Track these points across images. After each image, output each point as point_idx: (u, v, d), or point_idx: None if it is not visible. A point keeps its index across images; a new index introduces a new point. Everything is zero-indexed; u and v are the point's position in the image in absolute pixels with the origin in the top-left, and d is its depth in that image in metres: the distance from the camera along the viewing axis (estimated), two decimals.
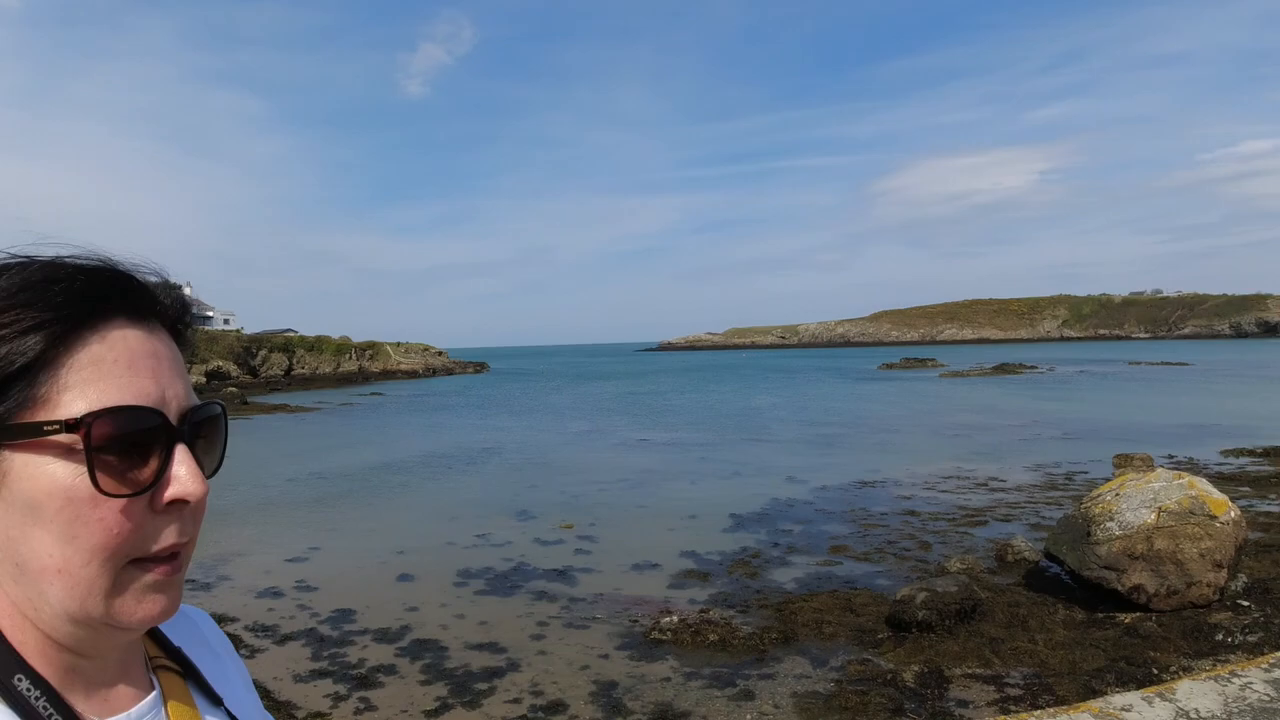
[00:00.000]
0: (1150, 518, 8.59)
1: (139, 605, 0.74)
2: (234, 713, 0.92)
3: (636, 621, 8.95)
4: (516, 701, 7.07)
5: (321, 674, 7.78)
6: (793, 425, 30.64)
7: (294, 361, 73.54)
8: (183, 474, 0.74)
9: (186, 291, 0.89)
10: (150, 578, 0.75)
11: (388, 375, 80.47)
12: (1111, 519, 8.77)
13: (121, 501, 0.71)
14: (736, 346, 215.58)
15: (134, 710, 0.81)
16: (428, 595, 10.19)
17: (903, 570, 10.70)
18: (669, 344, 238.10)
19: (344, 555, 12.40)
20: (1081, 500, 9.67)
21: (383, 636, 8.74)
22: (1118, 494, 9.12)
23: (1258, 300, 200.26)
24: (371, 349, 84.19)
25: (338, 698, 7.25)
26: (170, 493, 0.74)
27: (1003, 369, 66.36)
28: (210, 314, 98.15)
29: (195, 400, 0.80)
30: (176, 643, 0.93)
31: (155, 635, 0.92)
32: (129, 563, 0.73)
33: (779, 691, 7.07)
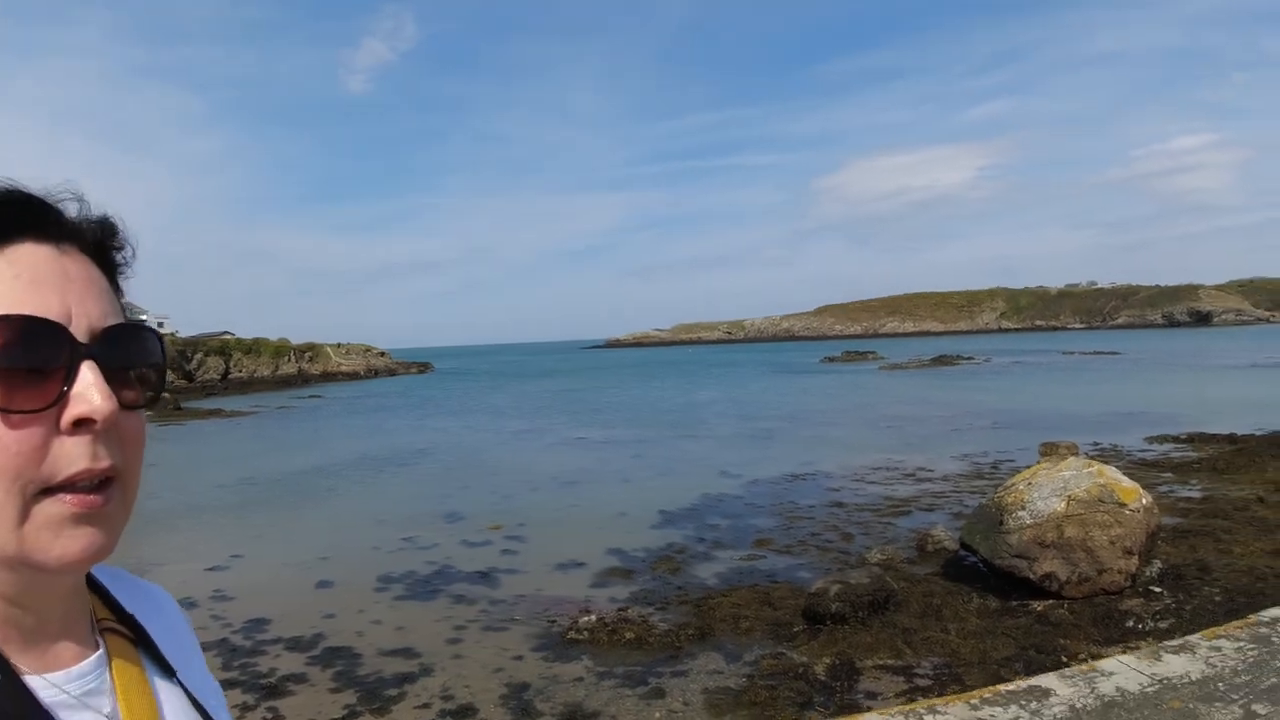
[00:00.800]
0: (1060, 506, 8.73)
1: (56, 541, 0.69)
2: (188, 686, 0.86)
3: (555, 622, 8.88)
4: (426, 707, 6.98)
5: (230, 684, 7.59)
6: (730, 420, 30.78)
7: (231, 365, 72.01)
8: (88, 392, 0.69)
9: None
10: (66, 510, 0.69)
11: (328, 377, 79.22)
12: (1023, 508, 8.90)
13: (18, 418, 0.66)
14: (684, 343, 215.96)
15: (75, 668, 0.76)
16: (346, 601, 10.01)
17: (824, 562, 10.76)
18: (616, 341, 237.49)
19: (265, 563, 12.16)
20: (996, 490, 9.81)
21: (296, 645, 8.56)
22: (1030, 483, 9.26)
23: (1189, 290, 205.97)
24: (311, 351, 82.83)
25: (245, 708, 7.08)
26: (74, 411, 0.68)
27: (941, 360, 67.49)
28: (144, 317, 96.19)
29: (117, 320, 0.75)
30: (130, 609, 0.88)
31: (107, 599, 0.87)
32: (41, 492, 0.68)
33: (690, 689, 7.06)
